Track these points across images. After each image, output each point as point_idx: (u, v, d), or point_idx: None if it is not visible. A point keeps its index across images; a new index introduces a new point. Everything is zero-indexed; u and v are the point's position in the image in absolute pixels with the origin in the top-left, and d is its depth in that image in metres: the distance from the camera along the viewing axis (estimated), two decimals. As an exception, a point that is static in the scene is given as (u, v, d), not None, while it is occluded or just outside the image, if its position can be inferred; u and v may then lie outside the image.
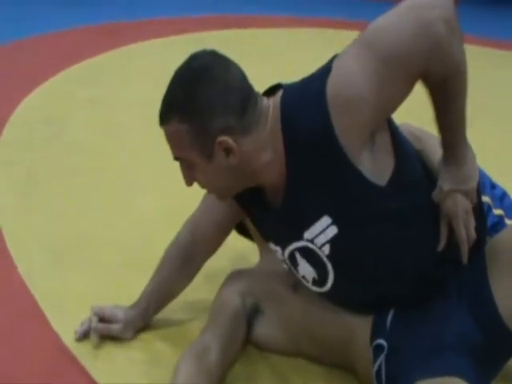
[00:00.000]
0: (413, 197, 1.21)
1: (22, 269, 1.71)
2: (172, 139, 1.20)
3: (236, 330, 1.39)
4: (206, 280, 1.64)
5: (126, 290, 1.62)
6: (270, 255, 1.56)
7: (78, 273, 1.73)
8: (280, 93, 1.19)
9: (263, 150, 1.18)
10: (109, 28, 4.79)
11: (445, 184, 1.20)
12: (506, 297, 1.21)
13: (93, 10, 5.38)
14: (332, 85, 1.09)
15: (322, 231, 1.19)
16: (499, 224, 1.42)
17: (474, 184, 1.22)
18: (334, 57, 1.14)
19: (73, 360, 1.40)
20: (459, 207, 1.20)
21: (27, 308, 1.56)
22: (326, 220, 1.18)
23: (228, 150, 1.17)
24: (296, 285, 1.40)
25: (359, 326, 1.31)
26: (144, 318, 1.49)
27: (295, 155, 1.16)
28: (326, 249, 1.21)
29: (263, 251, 1.65)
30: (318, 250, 1.22)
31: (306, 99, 1.13)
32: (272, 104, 1.19)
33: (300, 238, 1.23)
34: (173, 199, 2.04)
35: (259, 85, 1.25)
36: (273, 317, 1.42)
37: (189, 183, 1.26)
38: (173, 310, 1.54)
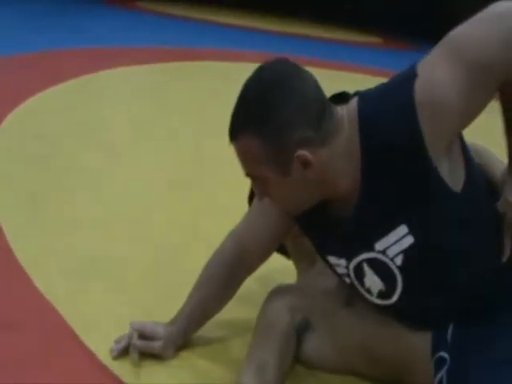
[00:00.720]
0: (481, 207, 1.22)
1: (42, 289, 1.63)
2: (244, 155, 1.16)
3: (288, 346, 1.35)
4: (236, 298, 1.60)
5: (150, 306, 1.59)
6: (312, 272, 1.54)
7: (98, 289, 1.66)
8: (354, 101, 1.18)
9: (339, 161, 1.15)
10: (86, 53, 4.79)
11: (510, 195, 1.22)
12: None
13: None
14: (421, 92, 1.08)
15: (396, 241, 1.17)
16: None
17: None
18: (415, 64, 1.13)
19: (115, 378, 1.33)
20: None
21: (57, 328, 1.48)
22: (402, 229, 1.16)
23: (306, 164, 1.13)
24: (349, 300, 1.38)
25: (418, 342, 1.29)
26: (184, 336, 1.44)
27: (373, 164, 1.13)
28: (399, 259, 1.19)
29: (303, 269, 1.62)
30: (389, 262, 1.20)
31: (389, 106, 1.11)
32: (346, 112, 1.16)
33: (370, 249, 1.21)
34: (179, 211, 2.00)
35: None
36: (323, 333, 1.39)
37: (261, 199, 1.22)
38: (208, 326, 1.49)
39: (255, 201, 1.41)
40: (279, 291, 1.44)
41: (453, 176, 1.14)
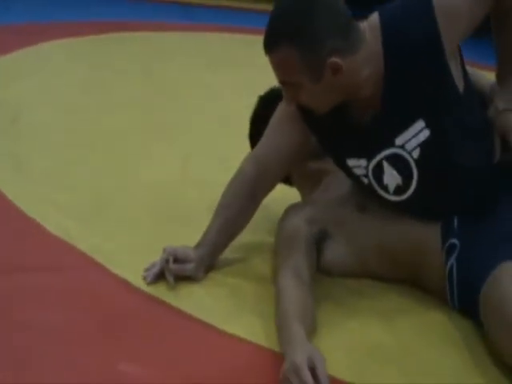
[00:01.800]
0: (476, 112, 1.40)
1: (55, 231, 1.66)
2: (281, 64, 1.28)
3: (312, 252, 1.47)
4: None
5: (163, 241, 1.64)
6: (319, 188, 1.65)
7: (111, 230, 1.72)
8: (375, 14, 1.32)
9: (365, 65, 1.30)
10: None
11: (499, 104, 1.41)
12: None
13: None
14: (437, 1, 1.26)
15: (414, 135, 1.33)
16: None
17: None
18: None
19: (154, 299, 1.40)
20: (511, 122, 1.39)
21: (82, 265, 1.53)
22: (419, 124, 1.32)
23: (337, 70, 1.27)
24: (362, 205, 1.50)
25: (429, 233, 1.44)
26: (213, 256, 1.52)
27: (395, 64, 1.29)
28: (416, 153, 1.35)
29: (307, 193, 1.72)
30: (407, 155, 1.35)
31: (410, 13, 1.29)
32: (368, 25, 1.31)
33: (391, 144, 1.36)
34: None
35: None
36: (341, 239, 1.51)
37: (291, 104, 1.34)
38: (227, 251, 1.57)
39: (272, 121, 1.52)
40: (294, 207, 1.55)
41: (457, 78, 1.31)
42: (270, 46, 1.28)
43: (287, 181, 1.77)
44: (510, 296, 1.19)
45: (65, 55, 4.21)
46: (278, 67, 1.30)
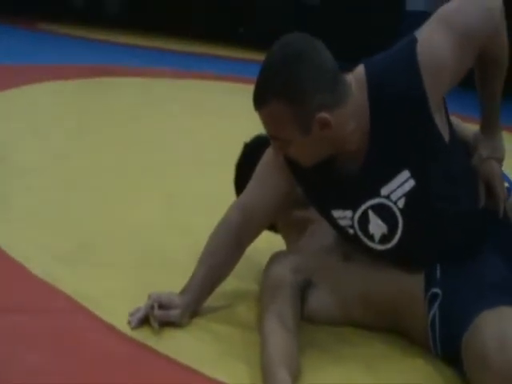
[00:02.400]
0: (462, 160, 1.45)
1: (40, 274, 1.66)
2: (270, 120, 1.32)
3: (297, 300, 1.48)
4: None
5: (150, 281, 1.66)
6: (304, 236, 1.68)
7: (96, 273, 1.72)
8: (360, 66, 1.37)
9: (352, 118, 1.34)
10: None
11: (483, 152, 1.47)
12: None
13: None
14: (422, 53, 1.31)
15: (399, 185, 1.37)
16: None
17: (504, 154, 1.49)
18: (412, 34, 1.35)
19: (139, 345, 1.40)
20: (495, 170, 1.46)
21: (68, 308, 1.52)
22: (405, 174, 1.36)
23: (325, 125, 1.30)
24: (347, 254, 1.53)
25: (412, 283, 1.46)
26: (198, 303, 1.52)
27: (381, 117, 1.33)
28: (401, 202, 1.38)
29: (292, 240, 1.74)
30: (392, 205, 1.39)
31: (395, 67, 1.33)
32: (353, 77, 1.36)
33: (376, 194, 1.39)
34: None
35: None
36: (326, 288, 1.53)
37: (279, 156, 1.38)
38: (212, 297, 1.57)
39: (258, 169, 1.56)
40: (279, 256, 1.57)
41: (442, 129, 1.36)
42: (259, 102, 1.32)
43: (272, 228, 1.79)
44: (491, 345, 1.20)
45: (53, 97, 4.28)
46: (268, 122, 1.33)
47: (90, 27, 10.56)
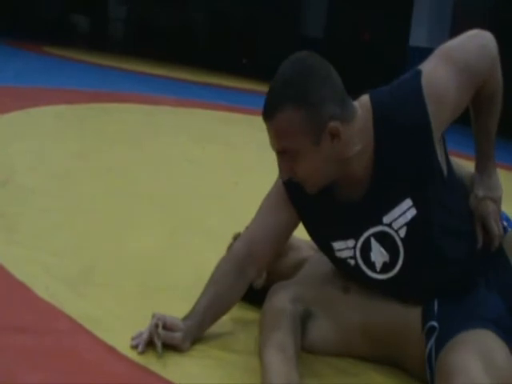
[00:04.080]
0: (459, 197, 1.48)
1: (43, 295, 1.67)
2: (282, 128, 1.33)
3: (297, 330, 1.49)
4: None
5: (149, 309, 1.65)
6: (304, 269, 1.70)
7: (98, 295, 1.74)
8: (366, 96, 1.41)
9: (358, 137, 1.37)
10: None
11: (479, 191, 1.50)
12: None
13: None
14: (427, 85, 1.36)
15: (401, 214, 1.39)
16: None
17: (501, 193, 1.52)
18: (416, 68, 1.40)
19: (141, 368, 1.41)
20: (490, 209, 1.48)
21: (70, 329, 1.54)
22: (407, 203, 1.38)
23: (335, 135, 1.34)
24: (346, 286, 1.55)
25: (410, 316, 1.48)
26: (200, 330, 1.53)
27: (385, 144, 1.37)
28: (403, 231, 1.40)
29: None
30: (394, 234, 1.41)
31: (401, 96, 1.37)
32: (359, 103, 1.40)
33: (379, 222, 1.42)
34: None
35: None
36: (325, 319, 1.54)
37: (285, 177, 1.39)
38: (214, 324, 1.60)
39: (262, 204, 1.59)
40: (280, 286, 1.59)
41: (442, 162, 1.40)
42: (272, 111, 1.33)
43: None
44: (458, 363, 1.25)
45: (57, 121, 4.31)
46: (279, 132, 1.33)
47: (95, 52, 10.71)
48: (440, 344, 1.40)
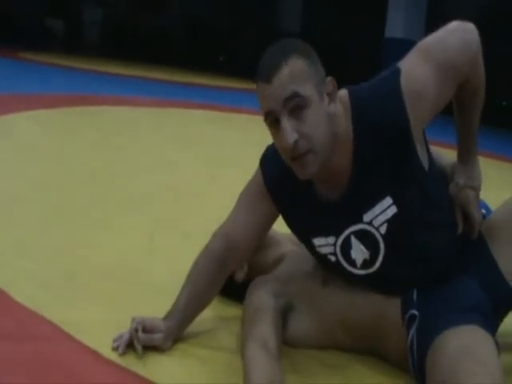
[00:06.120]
0: (441, 188, 1.49)
1: (24, 301, 1.67)
2: (295, 73, 1.30)
3: (279, 324, 1.50)
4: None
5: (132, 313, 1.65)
6: (284, 263, 1.71)
7: (78, 300, 1.73)
8: (344, 91, 1.41)
9: (339, 125, 1.37)
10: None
11: (460, 180, 1.51)
12: (508, 263, 1.48)
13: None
14: (405, 82, 1.35)
15: (382, 212, 1.39)
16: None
17: (481, 182, 1.53)
18: (395, 65, 1.39)
19: (123, 370, 1.41)
20: (470, 198, 1.50)
21: (51, 334, 1.53)
22: (387, 201, 1.39)
23: (331, 95, 1.35)
24: (326, 278, 1.56)
25: (390, 307, 1.49)
26: (181, 328, 1.54)
27: (364, 141, 1.36)
28: (383, 228, 1.41)
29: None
30: (374, 231, 1.42)
31: (379, 94, 1.36)
32: (338, 97, 1.39)
33: (359, 220, 1.42)
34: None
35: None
36: (306, 313, 1.55)
37: (292, 138, 1.30)
38: (194, 321, 1.59)
39: (240, 199, 1.59)
40: (260, 281, 1.60)
41: (422, 156, 1.40)
42: (278, 62, 1.30)
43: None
44: (445, 365, 1.26)
45: (34, 126, 4.28)
46: (292, 75, 1.30)
47: (71, 56, 10.65)
48: (422, 333, 1.41)
